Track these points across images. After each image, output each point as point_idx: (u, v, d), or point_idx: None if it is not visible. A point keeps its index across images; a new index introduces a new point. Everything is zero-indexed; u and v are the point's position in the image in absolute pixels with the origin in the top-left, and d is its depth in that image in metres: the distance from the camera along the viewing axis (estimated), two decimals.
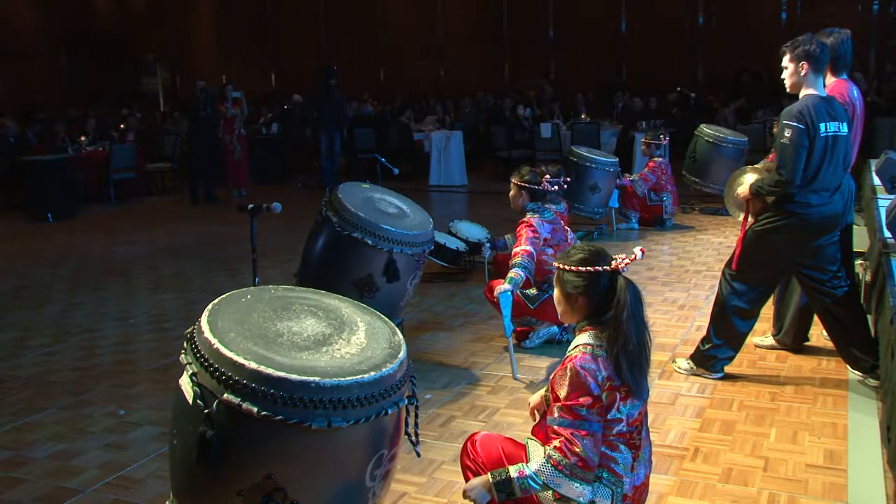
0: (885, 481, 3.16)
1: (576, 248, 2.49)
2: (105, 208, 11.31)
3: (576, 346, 2.36)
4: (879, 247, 4.41)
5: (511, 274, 4.38)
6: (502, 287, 4.31)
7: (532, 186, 4.71)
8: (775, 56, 4.01)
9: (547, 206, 4.81)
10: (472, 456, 2.52)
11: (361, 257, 4.23)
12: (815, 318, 4.43)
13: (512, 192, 4.80)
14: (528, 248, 4.50)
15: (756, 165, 4.51)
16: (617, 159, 8.15)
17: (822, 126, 3.75)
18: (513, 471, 2.34)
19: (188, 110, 12.19)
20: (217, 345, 2.08)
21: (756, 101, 13.48)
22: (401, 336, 2.39)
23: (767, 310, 4.53)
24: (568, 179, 5.13)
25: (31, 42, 18.87)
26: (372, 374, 2.12)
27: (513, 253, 4.59)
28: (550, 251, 4.63)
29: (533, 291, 4.71)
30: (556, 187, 4.84)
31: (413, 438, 2.39)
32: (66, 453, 3.65)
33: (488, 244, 5.66)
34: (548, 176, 4.77)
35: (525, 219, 4.69)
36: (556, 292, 2.47)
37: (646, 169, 8.57)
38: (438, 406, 4.04)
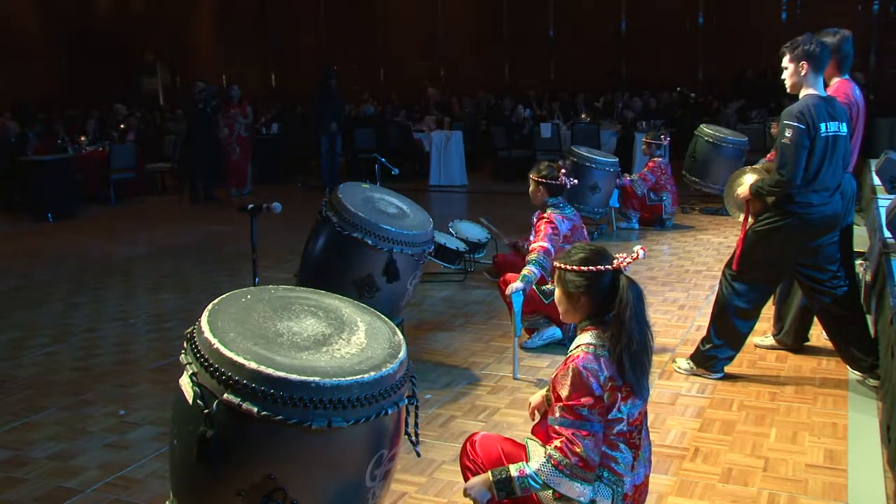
0: (885, 481, 3.16)
1: (576, 247, 2.49)
2: (105, 208, 11.31)
3: (577, 346, 2.36)
4: (879, 247, 4.41)
5: (525, 271, 4.38)
6: (515, 285, 4.30)
7: (550, 182, 4.72)
8: (775, 56, 4.01)
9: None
10: (471, 457, 2.52)
11: (361, 257, 4.23)
12: (815, 318, 4.43)
13: (531, 188, 4.81)
14: (546, 244, 4.50)
15: (755, 165, 4.51)
16: (617, 159, 8.15)
17: (823, 126, 3.75)
18: (513, 470, 2.34)
19: (186, 110, 12.22)
20: (217, 345, 2.08)
21: (756, 100, 13.50)
22: (401, 336, 2.39)
23: (767, 310, 4.53)
24: (575, 182, 5.13)
25: (31, 42, 18.88)
26: (372, 374, 2.12)
27: (530, 248, 4.59)
28: (568, 248, 4.62)
29: (549, 287, 4.70)
30: (574, 181, 4.86)
31: (413, 438, 2.39)
32: (66, 453, 3.64)
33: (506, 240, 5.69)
34: (564, 170, 4.79)
35: (546, 214, 4.69)
36: (557, 292, 2.47)
37: (645, 169, 8.58)
38: (438, 406, 4.04)
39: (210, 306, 2.27)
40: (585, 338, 2.37)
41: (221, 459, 2.05)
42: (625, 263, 2.38)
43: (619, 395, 2.31)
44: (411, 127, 13.89)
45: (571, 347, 2.40)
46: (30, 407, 4.20)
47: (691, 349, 4.41)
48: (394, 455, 2.32)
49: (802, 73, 3.85)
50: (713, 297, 4.38)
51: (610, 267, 2.37)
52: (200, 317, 2.21)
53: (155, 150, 13.03)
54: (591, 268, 2.37)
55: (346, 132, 12.95)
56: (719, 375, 4.25)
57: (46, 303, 6.34)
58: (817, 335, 4.63)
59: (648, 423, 2.50)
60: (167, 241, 8.83)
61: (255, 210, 3.87)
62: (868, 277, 4.72)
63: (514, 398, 4.11)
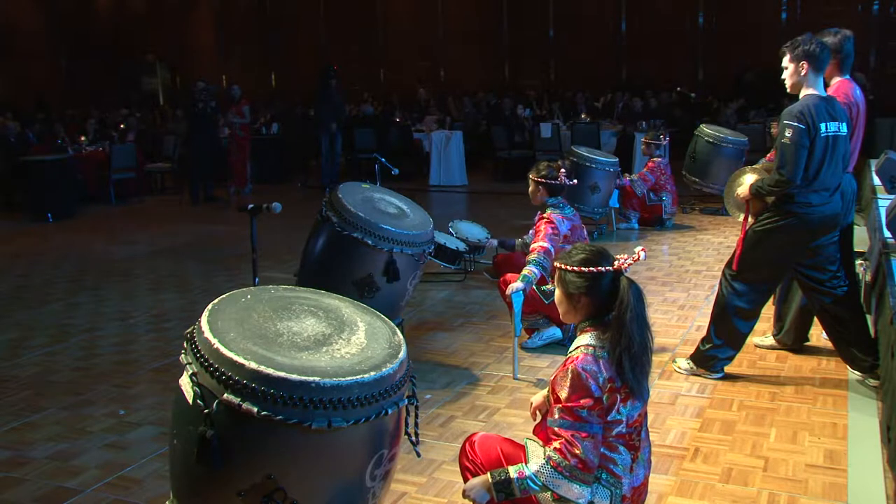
0: (885, 481, 3.16)
1: (577, 248, 2.48)
2: (105, 208, 11.31)
3: (577, 347, 2.36)
4: (879, 247, 4.41)
5: (525, 271, 4.38)
6: (515, 285, 4.31)
7: (549, 181, 4.73)
8: (775, 56, 4.01)
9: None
10: (470, 457, 2.52)
11: (361, 257, 4.23)
12: (815, 318, 4.43)
13: (530, 188, 4.82)
14: (546, 244, 4.51)
15: (755, 165, 4.51)
16: (617, 159, 8.16)
17: (823, 126, 3.75)
18: (512, 471, 2.34)
19: (186, 110, 12.23)
20: (217, 345, 2.08)
21: (754, 100, 13.50)
22: (401, 336, 2.39)
23: (767, 310, 4.53)
24: (574, 182, 5.14)
25: (31, 42, 18.89)
26: (372, 374, 2.12)
27: (530, 248, 4.60)
28: (568, 248, 4.64)
29: (549, 287, 4.70)
30: (574, 181, 4.87)
31: (413, 438, 2.39)
32: (66, 453, 3.64)
33: (498, 242, 5.75)
34: (563, 170, 4.80)
35: (545, 214, 4.70)
36: (557, 293, 2.47)
37: (645, 169, 8.59)
38: (438, 406, 4.04)
39: (210, 306, 2.27)
40: (585, 339, 2.36)
41: (221, 459, 2.05)
42: (626, 265, 2.37)
43: (619, 397, 2.30)
44: (411, 127, 13.90)
45: (571, 348, 2.40)
46: (30, 407, 4.20)
47: (691, 349, 4.41)
48: (394, 455, 2.32)
49: (802, 73, 3.85)
50: (713, 297, 4.38)
51: (610, 268, 2.37)
52: (200, 317, 2.21)
53: (155, 150, 13.03)
54: (591, 269, 2.37)
55: (346, 132, 12.94)
56: (719, 375, 4.25)
57: (46, 303, 6.34)
58: (817, 335, 4.63)
59: (648, 424, 2.50)
60: (167, 241, 8.83)
61: (255, 210, 3.87)
62: (868, 277, 4.72)
63: (514, 398, 4.11)
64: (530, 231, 5.70)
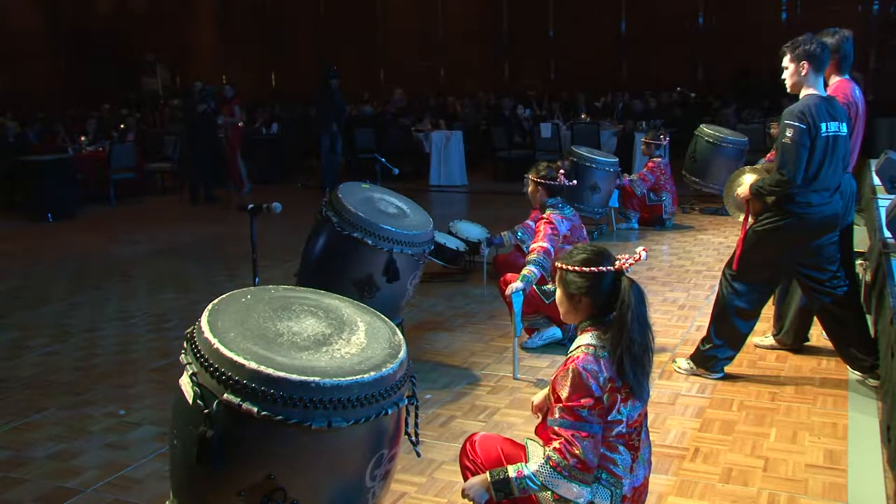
0: (885, 481, 3.16)
1: (578, 248, 2.48)
2: (105, 208, 11.31)
3: (578, 347, 2.36)
4: (879, 247, 4.41)
5: (524, 271, 4.39)
6: (514, 285, 4.31)
7: (549, 182, 4.73)
8: (776, 56, 4.01)
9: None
10: (471, 457, 2.52)
11: (361, 257, 4.23)
12: (815, 318, 4.43)
13: (530, 189, 4.82)
14: (546, 244, 4.51)
15: (755, 165, 4.51)
16: (617, 159, 8.16)
17: (823, 126, 3.75)
18: (511, 471, 2.33)
19: (185, 111, 12.22)
20: (217, 345, 2.08)
21: (750, 101, 13.52)
22: (401, 336, 2.39)
23: (767, 310, 4.53)
24: (574, 182, 5.15)
25: (31, 42, 18.88)
26: (372, 374, 2.12)
27: (529, 249, 4.61)
28: (569, 248, 4.65)
29: (550, 287, 4.70)
30: (573, 182, 4.88)
31: (413, 438, 2.39)
32: (66, 453, 3.64)
33: (485, 242, 5.81)
34: (563, 171, 4.81)
35: (545, 215, 4.70)
36: (558, 293, 2.47)
37: (644, 169, 8.59)
38: (438, 406, 4.04)
39: (210, 306, 2.27)
40: (586, 338, 2.36)
41: (221, 459, 2.05)
42: (627, 265, 2.37)
43: (619, 397, 2.30)
44: (412, 127, 13.89)
45: (572, 348, 2.39)
46: (30, 407, 4.20)
47: (691, 349, 4.41)
48: (394, 455, 2.32)
49: (803, 73, 3.85)
50: (713, 297, 4.38)
51: (612, 268, 2.37)
52: (200, 317, 2.21)
53: (155, 150, 13.03)
54: (592, 269, 2.36)
55: (347, 132, 12.93)
56: (719, 375, 4.25)
57: (46, 303, 6.34)
58: (817, 335, 4.63)
59: (648, 424, 2.50)
60: (167, 241, 8.83)
61: (255, 210, 3.87)
62: (868, 277, 4.72)
63: (514, 398, 4.11)
64: (516, 227, 5.75)
